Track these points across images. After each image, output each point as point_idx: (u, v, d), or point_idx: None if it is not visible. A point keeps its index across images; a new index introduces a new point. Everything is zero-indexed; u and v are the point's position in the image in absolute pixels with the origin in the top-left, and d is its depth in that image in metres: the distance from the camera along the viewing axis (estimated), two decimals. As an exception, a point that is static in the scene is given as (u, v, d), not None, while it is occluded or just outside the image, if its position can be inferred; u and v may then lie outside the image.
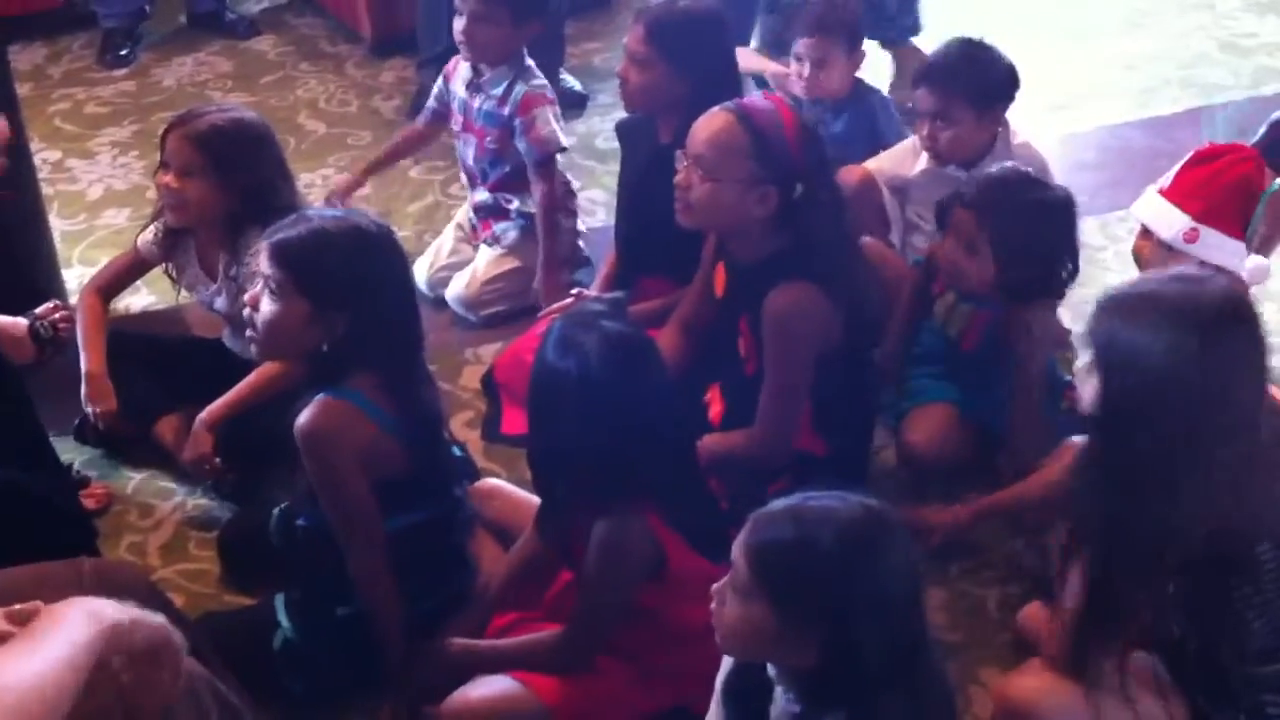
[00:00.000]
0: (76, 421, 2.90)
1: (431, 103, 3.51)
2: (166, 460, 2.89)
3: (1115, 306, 2.01)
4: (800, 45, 3.41)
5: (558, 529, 2.22)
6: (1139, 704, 2.10)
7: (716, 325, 2.70)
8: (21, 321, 2.70)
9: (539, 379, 2.15)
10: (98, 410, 2.80)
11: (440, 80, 3.47)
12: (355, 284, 2.16)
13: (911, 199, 3.16)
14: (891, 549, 1.71)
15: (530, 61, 3.33)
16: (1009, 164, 2.79)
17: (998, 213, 2.62)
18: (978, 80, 2.99)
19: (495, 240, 3.42)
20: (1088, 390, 2.03)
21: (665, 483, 2.13)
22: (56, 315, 2.73)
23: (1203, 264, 2.38)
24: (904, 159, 3.17)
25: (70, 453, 2.87)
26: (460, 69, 3.39)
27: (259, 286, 2.22)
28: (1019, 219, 2.62)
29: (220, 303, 2.88)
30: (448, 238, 3.54)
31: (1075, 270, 2.70)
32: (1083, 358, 2.05)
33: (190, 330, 3.24)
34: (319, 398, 2.17)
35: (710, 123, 2.49)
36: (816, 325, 2.45)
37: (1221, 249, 2.53)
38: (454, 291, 3.40)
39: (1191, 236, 2.50)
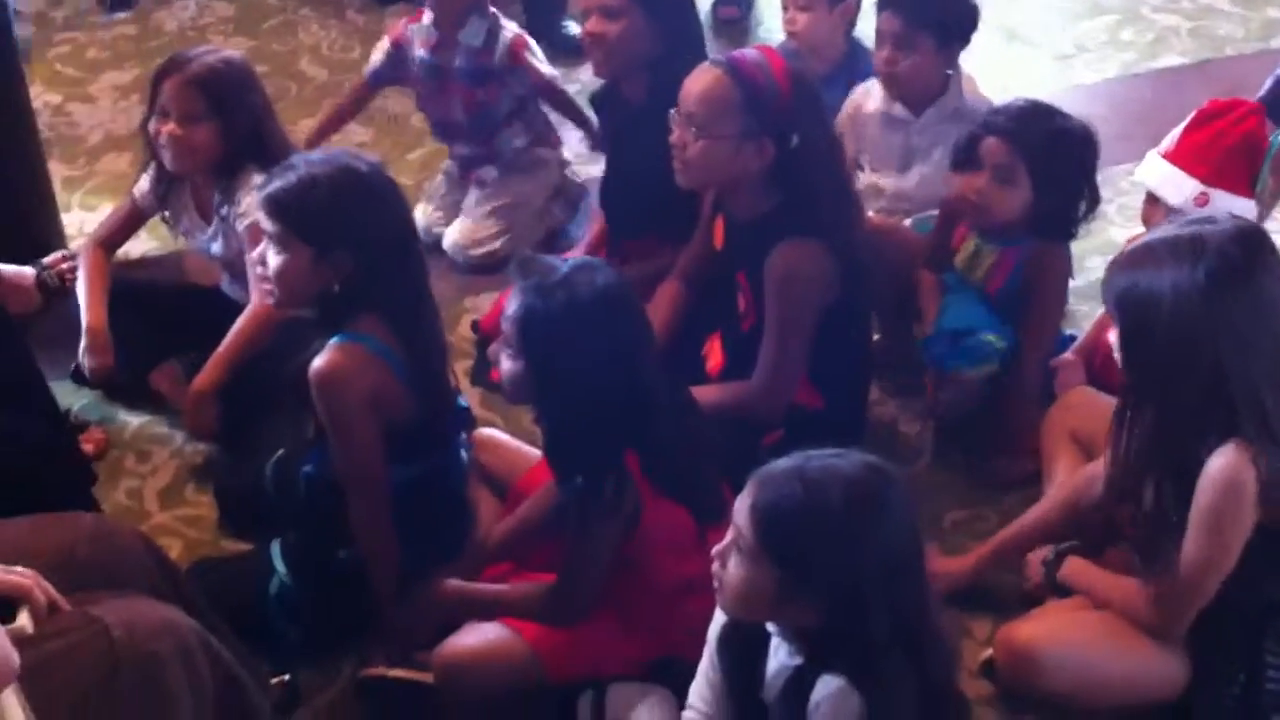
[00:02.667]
0: (73, 365, 2.91)
1: (380, 67, 3.43)
2: (164, 405, 2.90)
3: (1125, 259, 2.03)
4: None
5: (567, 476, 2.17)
6: (1149, 656, 2.15)
7: (715, 278, 2.69)
8: (28, 271, 2.70)
9: (528, 325, 2.08)
10: (95, 365, 2.81)
11: (390, 48, 3.39)
12: (349, 221, 2.16)
13: (861, 139, 3.14)
14: (897, 506, 1.71)
15: (491, 7, 3.31)
16: (1020, 99, 2.75)
17: (1033, 138, 2.60)
18: (942, 13, 2.97)
19: (481, 184, 3.43)
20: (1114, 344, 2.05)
21: (653, 428, 2.12)
22: (64, 265, 2.74)
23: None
24: (863, 97, 3.15)
25: (68, 397, 2.88)
26: (417, 35, 3.33)
27: (264, 243, 2.23)
28: (1052, 144, 2.61)
29: (217, 247, 2.87)
30: (439, 183, 3.53)
31: (1095, 203, 2.69)
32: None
33: (188, 277, 3.24)
34: (333, 342, 2.18)
35: (700, 79, 2.46)
36: (818, 282, 2.45)
37: (1233, 210, 2.50)
38: (450, 239, 3.40)
39: (1202, 201, 2.49)
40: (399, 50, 3.38)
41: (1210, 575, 2.06)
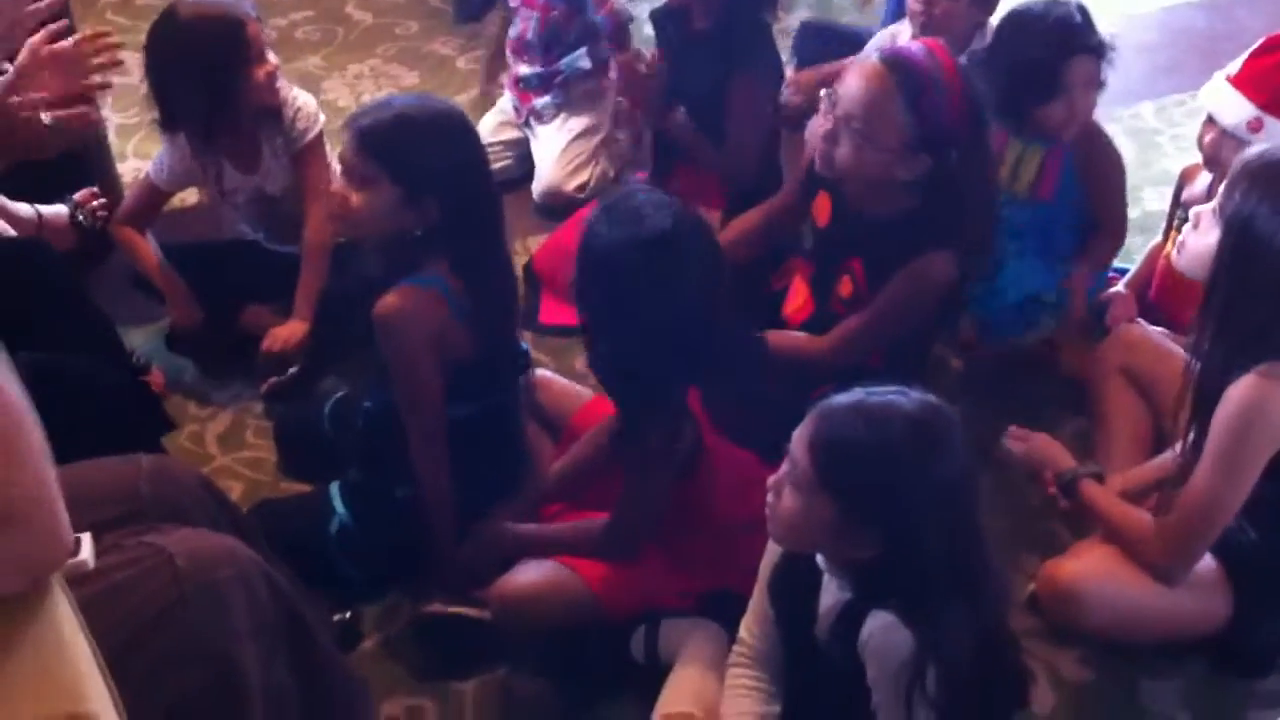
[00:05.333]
0: (167, 333, 2.95)
1: None
2: (221, 350, 2.93)
3: (1258, 174, 1.96)
4: None
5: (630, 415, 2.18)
6: (1190, 592, 2.15)
7: (818, 255, 2.59)
8: (62, 210, 2.70)
9: (593, 252, 2.09)
10: (183, 320, 2.89)
11: None
12: (444, 168, 2.14)
13: None
14: (954, 442, 1.71)
15: None
16: (1043, 8, 2.70)
17: (1098, 40, 2.68)
18: None
19: (536, 116, 3.44)
20: (1201, 243, 2.02)
21: (715, 365, 2.12)
22: (95, 203, 2.74)
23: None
24: (890, 43, 3.11)
25: (129, 339, 2.91)
26: None
27: (341, 180, 2.22)
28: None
29: (272, 185, 2.90)
30: (487, 124, 3.53)
31: None
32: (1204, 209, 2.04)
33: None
34: (402, 285, 2.18)
35: (865, 80, 2.29)
36: (946, 283, 2.37)
37: None
38: (539, 187, 3.39)
39: (1256, 125, 2.46)
40: None
41: (1217, 510, 2.03)
